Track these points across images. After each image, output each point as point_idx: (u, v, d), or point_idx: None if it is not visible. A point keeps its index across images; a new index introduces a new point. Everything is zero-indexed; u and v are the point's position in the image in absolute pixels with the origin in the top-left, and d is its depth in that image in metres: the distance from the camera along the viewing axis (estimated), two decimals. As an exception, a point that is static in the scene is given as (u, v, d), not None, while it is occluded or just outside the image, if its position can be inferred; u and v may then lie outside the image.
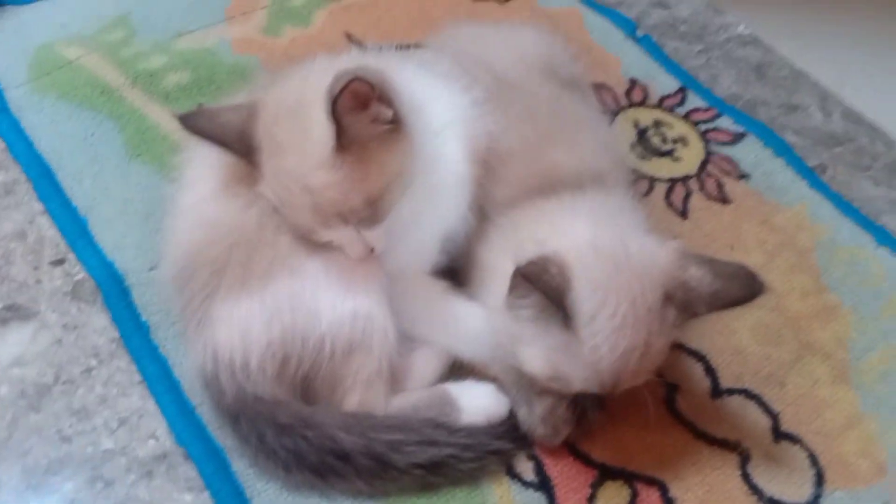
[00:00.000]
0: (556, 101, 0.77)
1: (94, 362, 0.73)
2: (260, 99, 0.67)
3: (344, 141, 0.61)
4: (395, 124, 0.63)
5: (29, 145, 0.87)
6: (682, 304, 0.62)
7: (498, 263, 0.68)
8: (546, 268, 0.60)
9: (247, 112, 0.66)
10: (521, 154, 0.72)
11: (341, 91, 0.58)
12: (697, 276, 0.61)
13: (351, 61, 0.67)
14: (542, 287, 0.60)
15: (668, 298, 0.62)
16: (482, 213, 0.72)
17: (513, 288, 0.62)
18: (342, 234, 0.65)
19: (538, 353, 0.63)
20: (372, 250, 0.66)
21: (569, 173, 0.70)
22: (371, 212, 0.64)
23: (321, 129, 0.61)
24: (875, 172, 0.95)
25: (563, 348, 0.61)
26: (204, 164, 0.72)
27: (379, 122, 0.62)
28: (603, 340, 0.60)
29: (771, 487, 0.68)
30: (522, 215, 0.69)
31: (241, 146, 0.66)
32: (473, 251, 0.72)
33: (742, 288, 0.61)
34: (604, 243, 0.63)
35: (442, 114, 0.70)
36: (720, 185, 0.90)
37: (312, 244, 0.66)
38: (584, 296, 0.60)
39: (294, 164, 0.62)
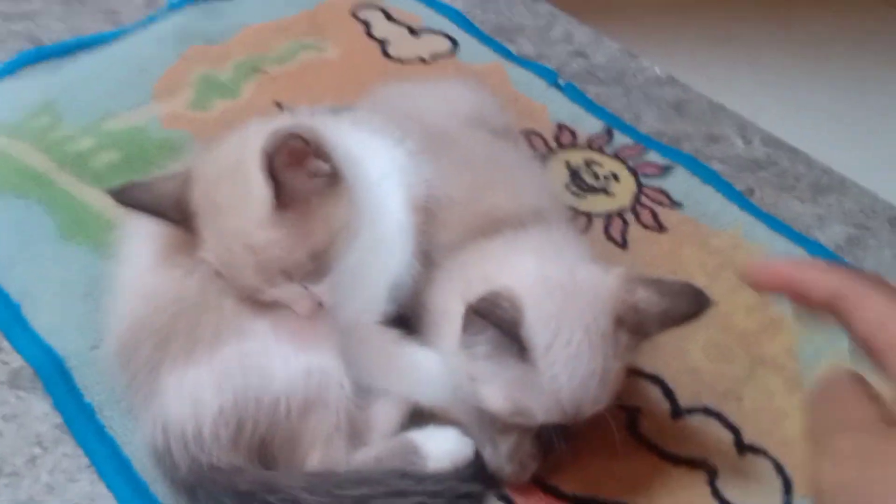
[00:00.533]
0: (489, 147, 0.79)
1: (37, 451, 0.70)
2: (194, 165, 0.67)
3: (284, 198, 0.61)
4: (334, 177, 0.63)
5: (-45, 237, 0.84)
6: (634, 326, 0.62)
7: (448, 306, 0.68)
8: (497, 302, 0.60)
9: (182, 179, 0.66)
10: (462, 199, 0.73)
11: (277, 148, 0.58)
12: (645, 297, 0.62)
13: (285, 121, 0.68)
14: (496, 321, 0.60)
15: (619, 322, 0.62)
16: (428, 258, 0.72)
17: (466, 326, 0.62)
18: (288, 291, 0.64)
19: (497, 389, 0.62)
20: (320, 305, 0.65)
21: (509, 213, 0.72)
22: (316, 266, 0.64)
23: (260, 188, 0.61)
24: (799, 192, 0.99)
25: (521, 382, 0.61)
26: (140, 237, 0.71)
27: (317, 176, 0.62)
28: (561, 369, 0.60)
29: (742, 500, 0.68)
30: (468, 257, 0.70)
31: (177, 214, 0.65)
32: (422, 297, 0.72)
33: (690, 304, 0.63)
34: (552, 275, 0.63)
35: (379, 166, 0.71)
36: (655, 215, 0.92)
37: (259, 305, 0.65)
38: (537, 327, 0.60)
39: (235, 225, 0.62)
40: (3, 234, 0.85)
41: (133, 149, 0.94)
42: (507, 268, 0.65)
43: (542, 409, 0.61)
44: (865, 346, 0.44)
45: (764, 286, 0.50)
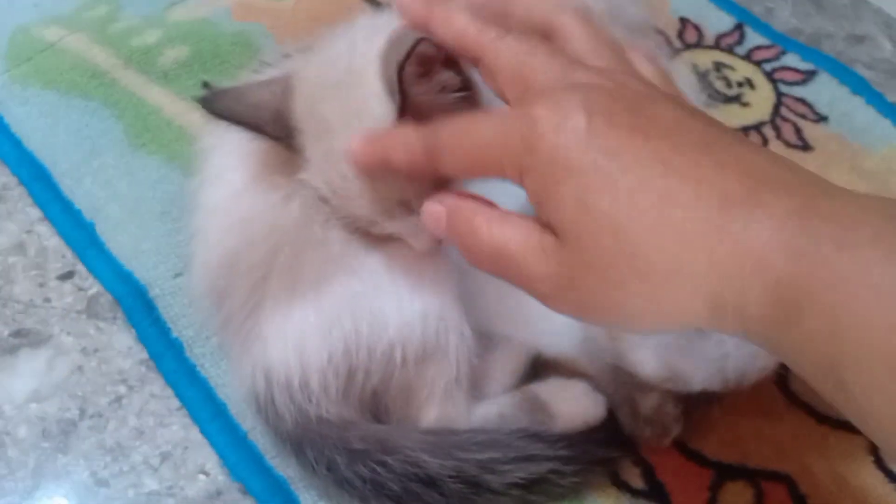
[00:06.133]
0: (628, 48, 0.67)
1: (123, 390, 0.64)
2: (295, 72, 0.57)
3: (407, 115, 0.51)
4: (468, 91, 0.53)
5: (16, 143, 0.76)
6: None
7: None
8: None
9: (281, 88, 0.56)
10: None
11: (407, 55, 0.48)
12: None
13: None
14: None
15: None
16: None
17: None
18: (406, 225, 0.55)
19: (650, 353, 0.54)
20: (440, 240, 0.57)
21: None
22: None
23: (380, 102, 0.51)
24: (959, 105, 0.86)
25: (682, 346, 0.52)
26: (230, 153, 0.62)
27: (447, 90, 0.52)
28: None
29: (912, 473, 0.60)
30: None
31: (277, 128, 0.56)
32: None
33: None
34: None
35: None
36: (798, 130, 0.81)
37: (369, 238, 0.57)
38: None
39: (348, 145, 0.52)
40: (68, 141, 0.77)
41: (203, 44, 0.84)
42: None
43: (701, 377, 0.53)
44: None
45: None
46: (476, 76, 0.54)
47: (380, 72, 0.50)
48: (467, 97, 0.52)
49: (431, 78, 0.51)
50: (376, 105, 0.51)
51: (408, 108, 0.50)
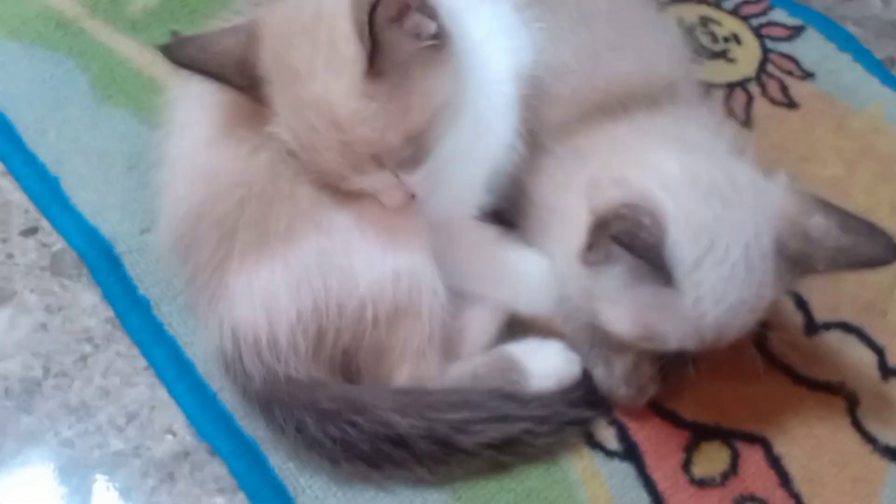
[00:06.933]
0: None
1: (88, 348, 0.62)
2: (261, 19, 0.54)
3: (380, 62, 0.48)
4: (440, 40, 0.50)
5: (-23, 95, 0.73)
6: (798, 255, 0.51)
7: (561, 203, 0.57)
8: (639, 222, 0.48)
9: (246, 35, 0.54)
10: (578, 65, 0.60)
11: None
12: (822, 226, 0.51)
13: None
14: (639, 249, 0.48)
15: (780, 246, 0.51)
16: (534, 140, 0.60)
17: (593, 243, 0.51)
18: (377, 180, 0.53)
19: (626, 312, 0.52)
20: (412, 196, 0.55)
21: (638, 85, 0.59)
22: (412, 151, 0.52)
23: (350, 48, 0.49)
24: (949, 64, 0.85)
25: (657, 304, 0.51)
26: (196, 104, 0.59)
27: (420, 37, 0.50)
28: (708, 291, 0.50)
29: (886, 433, 0.60)
30: (588, 143, 0.58)
31: (242, 78, 0.54)
32: (527, 187, 0.61)
33: (874, 250, 0.51)
34: (702, 174, 0.52)
35: (480, 24, 0.58)
36: (784, 88, 0.79)
37: (338, 194, 0.55)
38: (684, 241, 0.49)
39: (318, 94, 0.50)
40: (32, 92, 0.74)
41: (173, -9, 0.81)
42: (642, 163, 0.53)
43: (677, 336, 0.52)
44: None
45: None
46: (450, 24, 0.52)
47: (350, 15, 0.48)
48: (436, 46, 0.50)
49: (403, 25, 0.49)
50: (346, 49, 0.49)
51: (380, 55, 0.48)
